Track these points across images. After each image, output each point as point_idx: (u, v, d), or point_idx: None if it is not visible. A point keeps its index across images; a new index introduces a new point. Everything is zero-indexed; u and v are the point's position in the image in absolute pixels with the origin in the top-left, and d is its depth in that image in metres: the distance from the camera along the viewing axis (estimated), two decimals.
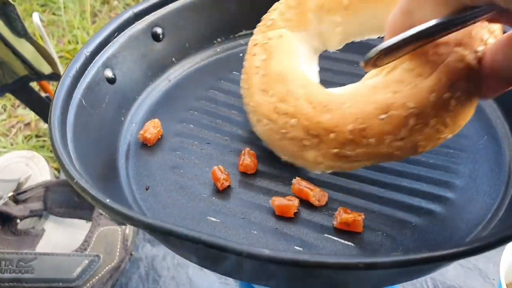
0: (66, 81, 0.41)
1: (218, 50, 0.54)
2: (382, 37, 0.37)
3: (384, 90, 0.35)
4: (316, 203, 0.40)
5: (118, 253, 0.70)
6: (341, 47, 0.45)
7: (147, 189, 0.42)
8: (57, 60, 0.87)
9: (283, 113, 0.38)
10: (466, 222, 0.39)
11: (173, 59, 0.52)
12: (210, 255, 0.33)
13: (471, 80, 0.35)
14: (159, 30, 0.50)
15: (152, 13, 0.49)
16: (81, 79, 0.43)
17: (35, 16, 0.86)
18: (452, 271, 0.71)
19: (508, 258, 0.57)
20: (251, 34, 0.55)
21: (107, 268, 0.68)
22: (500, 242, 0.30)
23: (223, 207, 0.40)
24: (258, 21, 0.55)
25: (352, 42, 0.45)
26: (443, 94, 0.34)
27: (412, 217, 0.39)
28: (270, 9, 0.45)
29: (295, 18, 0.43)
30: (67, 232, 0.75)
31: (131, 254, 0.74)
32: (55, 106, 0.39)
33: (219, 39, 0.54)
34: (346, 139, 0.36)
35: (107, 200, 0.32)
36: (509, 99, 0.46)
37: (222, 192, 0.41)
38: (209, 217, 0.40)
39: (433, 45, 0.35)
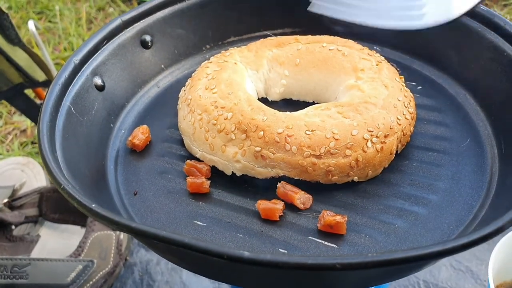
0: (55, 89, 0.42)
1: (207, 56, 0.54)
2: (316, 103, 0.48)
3: (315, 118, 0.42)
4: (300, 206, 0.41)
5: (112, 258, 0.71)
6: (278, 99, 0.50)
7: (135, 194, 0.42)
8: (53, 68, 0.88)
9: (221, 106, 0.43)
10: (448, 223, 0.40)
11: (162, 66, 0.53)
12: (194, 258, 0.34)
13: (389, 136, 0.42)
14: (147, 38, 0.51)
15: (141, 21, 0.50)
16: (70, 87, 0.44)
17: (31, 24, 0.87)
18: (444, 273, 0.71)
19: (497, 259, 0.57)
20: (240, 40, 0.56)
21: (101, 273, 0.68)
22: (474, 243, 0.31)
23: (209, 211, 0.41)
24: (247, 28, 0.56)
25: None
26: (363, 133, 0.41)
27: (395, 219, 0.40)
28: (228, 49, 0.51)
29: (252, 59, 0.49)
30: (62, 237, 0.76)
31: (125, 259, 0.74)
32: (44, 113, 0.40)
33: (207, 46, 0.55)
34: (273, 140, 0.40)
35: (93, 205, 0.33)
36: (491, 102, 0.47)
37: (209, 196, 0.42)
38: (196, 221, 0.40)
39: (364, 101, 0.43)
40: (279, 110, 0.48)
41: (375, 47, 0.54)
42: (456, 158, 0.44)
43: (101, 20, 1.31)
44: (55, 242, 0.75)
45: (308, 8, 0.42)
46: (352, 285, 0.38)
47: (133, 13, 0.50)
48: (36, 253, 0.72)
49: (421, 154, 0.45)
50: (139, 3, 1.35)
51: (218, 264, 0.33)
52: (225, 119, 0.42)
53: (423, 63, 0.52)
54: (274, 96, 0.50)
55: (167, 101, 0.50)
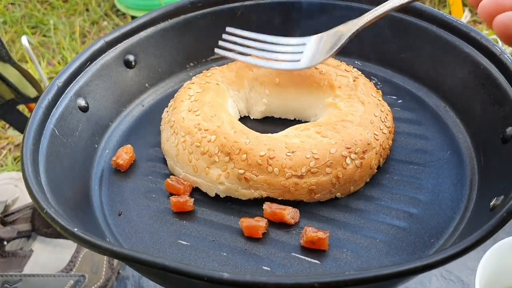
0: (38, 112, 0.43)
1: (190, 74, 0.55)
2: (297, 120, 0.50)
3: (295, 139, 0.43)
4: (291, 221, 0.41)
5: (104, 273, 0.71)
6: (260, 117, 0.51)
7: (119, 215, 0.43)
8: (46, 82, 0.88)
9: (204, 129, 0.43)
10: (428, 236, 0.40)
11: (146, 85, 0.53)
12: (176, 280, 0.34)
13: (367, 151, 0.43)
14: (131, 57, 0.51)
15: (124, 41, 0.51)
16: (54, 109, 0.44)
17: (24, 39, 0.88)
18: (435, 283, 0.72)
19: (485, 270, 0.57)
20: (223, 57, 0.57)
21: (93, 287, 0.69)
22: (450, 258, 0.32)
23: (193, 230, 0.42)
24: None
25: None
26: (342, 151, 0.42)
27: (377, 233, 0.41)
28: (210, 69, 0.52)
29: (233, 79, 0.49)
30: (55, 252, 0.76)
31: (118, 273, 0.75)
32: (27, 138, 0.41)
33: (191, 64, 0.56)
34: (255, 162, 0.41)
35: (75, 229, 0.34)
36: (471, 114, 0.48)
37: (193, 215, 0.43)
38: (180, 241, 0.41)
39: (341, 119, 0.44)
40: (262, 128, 0.49)
41: (356, 62, 0.55)
42: (436, 171, 0.45)
43: (94, 34, 1.32)
44: (48, 257, 0.75)
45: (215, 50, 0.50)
46: None
47: (116, 33, 0.50)
48: (28, 268, 0.72)
49: (401, 168, 0.45)
50: (132, 18, 1.36)
51: (200, 285, 0.34)
52: (208, 141, 0.43)
53: (403, 76, 0.53)
54: (256, 114, 0.50)
55: (152, 120, 0.51)
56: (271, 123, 0.50)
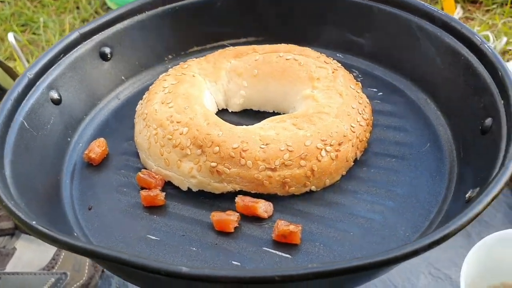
0: (6, 105, 0.42)
1: (169, 66, 0.54)
2: (276, 112, 0.49)
3: (270, 131, 0.42)
4: (264, 215, 0.41)
5: (86, 270, 0.70)
6: (239, 110, 0.50)
7: (90, 209, 0.42)
8: None
9: (176, 121, 0.42)
10: (404, 230, 0.39)
11: (123, 77, 0.52)
12: (138, 275, 0.34)
13: (343, 144, 0.42)
14: (107, 50, 0.51)
15: (100, 33, 0.50)
16: (24, 101, 0.44)
17: (10, 36, 0.87)
18: (423, 280, 0.71)
19: (470, 268, 0.56)
20: (203, 50, 0.56)
21: (75, 285, 0.68)
22: (419, 251, 0.31)
23: (164, 224, 0.41)
24: (209, 37, 0.56)
25: None
26: (317, 143, 0.41)
27: (351, 227, 0.40)
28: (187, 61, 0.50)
29: (210, 70, 0.48)
30: (39, 250, 0.75)
31: (102, 271, 0.74)
32: None
33: (170, 56, 0.55)
34: (228, 155, 0.40)
35: (33, 222, 0.33)
36: (451, 106, 0.47)
37: (165, 209, 0.42)
38: (149, 236, 0.40)
39: (318, 111, 0.43)
40: (240, 121, 0.48)
41: (337, 54, 0.54)
42: (414, 163, 0.44)
43: None
44: (32, 255, 0.74)
45: None
46: None
47: (92, 25, 0.50)
48: (11, 266, 0.71)
49: (379, 161, 0.44)
50: None
51: (162, 280, 0.33)
52: (180, 134, 0.42)
53: (384, 68, 0.52)
54: (234, 107, 0.50)
55: (128, 113, 0.50)
56: (249, 116, 0.49)
